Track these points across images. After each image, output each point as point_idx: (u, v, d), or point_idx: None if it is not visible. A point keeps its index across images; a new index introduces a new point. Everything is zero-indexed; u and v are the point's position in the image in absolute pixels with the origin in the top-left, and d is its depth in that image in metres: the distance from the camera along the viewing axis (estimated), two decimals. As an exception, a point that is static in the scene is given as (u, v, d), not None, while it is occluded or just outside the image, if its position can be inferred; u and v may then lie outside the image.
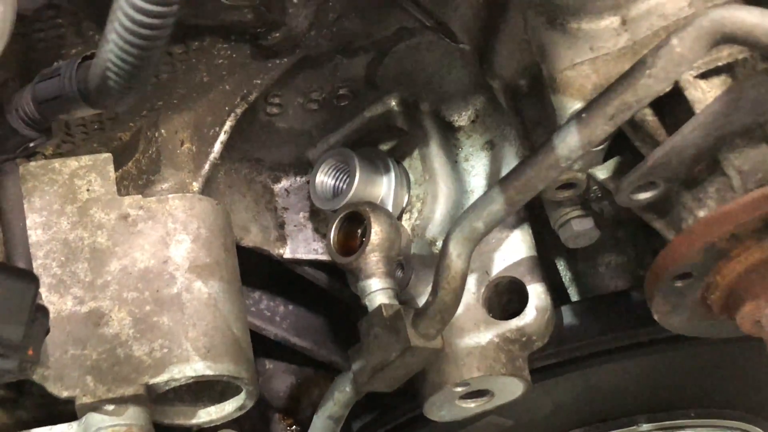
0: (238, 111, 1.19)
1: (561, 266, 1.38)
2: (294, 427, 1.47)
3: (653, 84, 0.92)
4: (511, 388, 1.21)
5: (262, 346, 1.39)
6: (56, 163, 1.08)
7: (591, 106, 0.99)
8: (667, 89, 0.96)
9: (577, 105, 1.05)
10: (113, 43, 0.76)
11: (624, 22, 1.04)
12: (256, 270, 1.30)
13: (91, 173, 1.09)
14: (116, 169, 1.11)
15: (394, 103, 1.27)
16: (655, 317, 1.13)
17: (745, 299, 1.05)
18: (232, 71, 1.19)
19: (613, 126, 0.98)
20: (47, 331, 0.95)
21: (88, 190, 1.08)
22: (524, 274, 1.23)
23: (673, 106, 1.03)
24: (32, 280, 0.92)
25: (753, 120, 1.00)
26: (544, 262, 1.28)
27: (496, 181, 1.18)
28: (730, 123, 0.98)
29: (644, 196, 1.06)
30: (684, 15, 1.01)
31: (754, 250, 1.01)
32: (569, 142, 1.00)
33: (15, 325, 0.89)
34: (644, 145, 1.05)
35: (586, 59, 1.04)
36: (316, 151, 1.29)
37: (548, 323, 1.20)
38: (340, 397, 1.23)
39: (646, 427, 1.44)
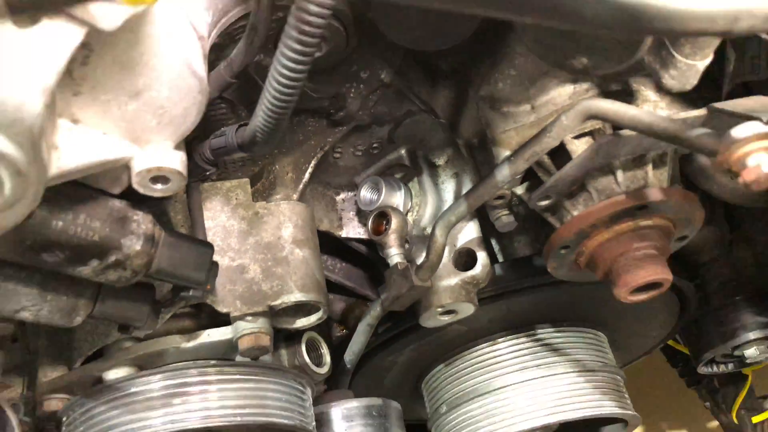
0: (318, 156, 1.12)
1: (494, 242, 1.29)
2: (344, 331, 1.39)
3: (550, 141, 0.88)
4: (466, 309, 1.13)
5: (329, 285, 1.24)
6: (218, 184, 1.02)
7: (515, 153, 0.93)
8: (557, 144, 0.90)
9: (507, 153, 0.98)
10: (261, 117, 0.73)
11: (533, 108, 0.99)
12: (326, 243, 1.19)
13: (237, 189, 1.02)
14: (252, 186, 1.05)
15: (403, 152, 1.19)
16: (549, 270, 1.06)
17: (598, 260, 0.97)
18: (315, 133, 1.12)
19: (527, 164, 0.92)
20: (216, 275, 0.88)
21: (236, 199, 1.01)
22: (475, 245, 1.13)
23: (560, 154, 0.95)
24: (209, 246, 0.86)
25: (604, 161, 0.91)
26: (485, 239, 1.16)
27: (461, 195, 1.09)
28: (592, 163, 0.90)
29: (543, 203, 0.98)
30: (566, 104, 0.97)
31: (604, 233, 0.94)
32: (503, 173, 0.94)
33: (200, 271, 0.83)
34: (544, 175, 0.98)
35: (511, 128, 1.00)
36: (360, 177, 1.21)
37: (488, 273, 1.12)
38: (373, 313, 1.15)
39: (541, 329, 1.29)
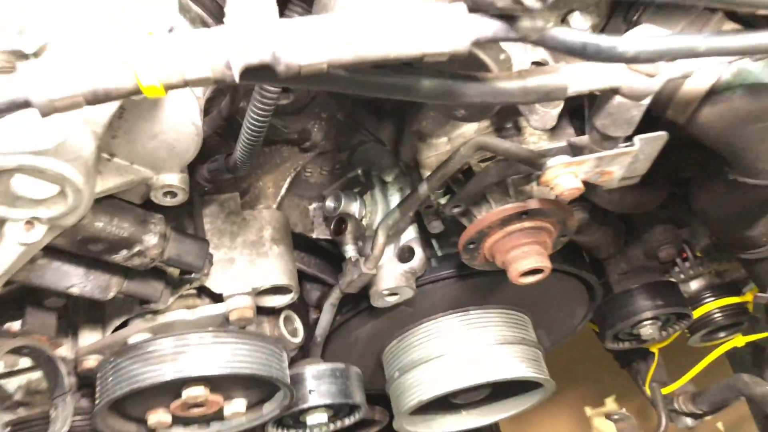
0: (292, 175, 1.29)
1: (434, 242, 1.41)
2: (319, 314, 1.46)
3: (454, 166, 1.02)
4: (407, 292, 1.27)
5: (306, 277, 1.44)
6: (215, 197, 1.19)
7: (431, 174, 1.08)
8: (457, 168, 1.05)
9: (428, 173, 1.11)
10: (240, 149, 0.91)
11: (449, 139, 1.09)
12: (300, 242, 1.34)
13: (230, 200, 1.20)
14: (241, 198, 1.22)
15: (359, 172, 1.33)
16: (464, 261, 1.18)
17: (495, 253, 1.12)
18: (289, 158, 1.28)
19: (440, 182, 1.07)
20: (212, 263, 1.07)
21: (228, 208, 1.18)
22: (414, 243, 1.27)
23: (470, 173, 1.09)
24: (206, 242, 1.05)
25: (498, 179, 1.06)
26: (424, 238, 1.31)
27: (397, 204, 1.22)
28: (487, 181, 1.05)
29: (456, 210, 1.13)
30: (470, 137, 1.04)
31: (498, 232, 1.09)
32: (423, 189, 1.10)
33: (200, 260, 1.02)
34: (457, 188, 1.11)
35: (433, 155, 1.10)
36: (326, 191, 1.35)
37: (423, 265, 1.26)
38: (334, 294, 1.30)
39: (473, 310, 1.43)
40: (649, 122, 0.88)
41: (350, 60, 0.58)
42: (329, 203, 1.34)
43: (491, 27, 0.59)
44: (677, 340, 1.79)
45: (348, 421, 1.44)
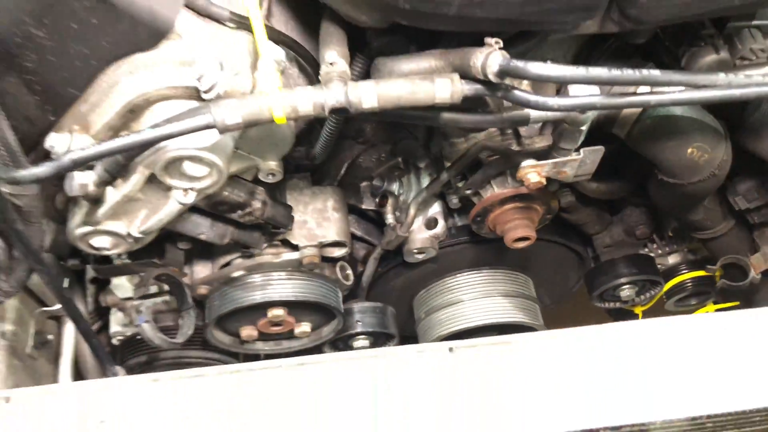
0: (349, 161, 1.59)
1: (457, 216, 1.69)
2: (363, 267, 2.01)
3: (470, 159, 1.42)
4: (431, 252, 1.61)
5: (356, 238, 1.78)
6: (294, 176, 1.55)
7: (453, 164, 1.43)
8: (469, 163, 1.41)
9: (448, 164, 1.45)
10: (320, 146, 1.34)
11: (465, 140, 1.39)
12: (352, 211, 1.69)
13: (304, 179, 1.56)
14: (311, 177, 1.61)
15: (400, 160, 1.62)
16: (474, 231, 1.53)
17: (496, 226, 1.45)
18: (347, 148, 1.57)
19: (459, 170, 1.44)
20: (293, 222, 1.51)
21: (303, 184, 1.56)
22: (438, 215, 1.63)
23: (478, 164, 1.40)
24: (290, 207, 1.43)
25: (498, 170, 1.39)
26: (446, 211, 1.67)
27: (426, 186, 1.59)
28: (492, 170, 1.39)
29: (468, 191, 1.47)
30: (481, 139, 1.36)
31: (498, 210, 1.41)
32: (444, 176, 1.47)
33: (287, 220, 1.42)
34: (470, 175, 1.43)
35: (453, 150, 1.44)
36: (374, 173, 1.65)
37: (445, 232, 1.62)
38: (377, 251, 1.69)
39: (484, 269, 1.75)
40: (601, 136, 1.29)
41: (392, 105, 1.01)
42: (376, 182, 1.66)
43: (474, 88, 1.01)
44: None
45: (385, 347, 1.87)
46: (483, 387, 0.86)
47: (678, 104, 1.13)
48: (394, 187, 1.71)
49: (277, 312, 1.56)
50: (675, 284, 2.07)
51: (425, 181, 1.66)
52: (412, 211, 1.61)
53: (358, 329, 1.76)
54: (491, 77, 0.95)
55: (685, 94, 0.98)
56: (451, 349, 0.87)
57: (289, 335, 1.66)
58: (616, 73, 0.92)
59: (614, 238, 1.92)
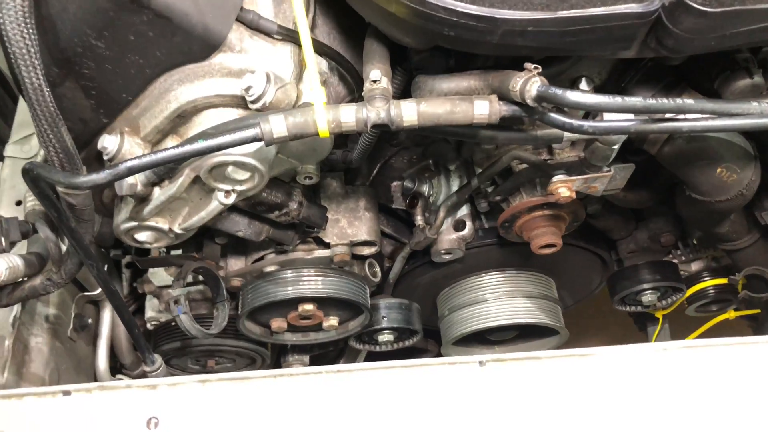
0: (382, 162, 1.68)
1: (484, 218, 1.73)
2: (391, 263, 2.07)
3: (500, 167, 1.48)
4: (458, 253, 1.67)
5: (385, 235, 1.87)
6: (328, 174, 1.59)
7: (484, 171, 1.50)
8: (497, 171, 1.46)
9: (479, 170, 1.53)
10: (357, 152, 1.39)
11: (496, 147, 1.56)
12: (382, 209, 1.75)
13: (337, 178, 1.61)
14: (344, 176, 1.64)
15: (430, 162, 1.69)
16: (502, 235, 1.58)
17: (523, 232, 1.50)
18: (380, 149, 1.64)
19: (490, 177, 1.51)
20: (327, 222, 1.59)
21: (336, 183, 1.62)
22: (466, 218, 1.68)
23: (508, 171, 1.45)
24: (325, 209, 1.50)
25: (528, 179, 1.42)
26: (475, 214, 1.71)
27: (455, 190, 1.66)
28: (522, 178, 1.44)
29: (498, 198, 1.51)
30: (512, 148, 1.53)
31: (526, 217, 1.46)
32: (474, 182, 1.53)
33: (321, 220, 1.48)
34: (500, 181, 1.48)
35: (485, 156, 1.52)
36: (406, 174, 1.74)
37: (472, 234, 1.67)
38: (406, 250, 1.74)
39: (508, 270, 1.81)
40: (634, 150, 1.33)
41: (432, 123, 1.06)
42: (407, 183, 1.73)
43: (512, 109, 1.06)
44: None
45: (408, 343, 1.93)
46: (512, 402, 0.89)
47: (710, 131, 1.17)
48: (425, 188, 1.78)
49: (308, 307, 1.62)
50: (697, 291, 2.12)
51: (455, 184, 1.73)
52: (441, 214, 1.67)
53: (384, 324, 1.83)
54: (529, 102, 0.99)
55: (718, 121, 1.02)
56: (481, 363, 0.90)
57: (317, 327, 1.72)
58: (651, 102, 0.96)
59: (639, 244, 1.96)
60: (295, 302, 1.61)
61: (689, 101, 0.97)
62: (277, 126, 1.04)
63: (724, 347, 0.93)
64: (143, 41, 1.06)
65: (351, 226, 1.66)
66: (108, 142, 1.24)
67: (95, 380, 1.79)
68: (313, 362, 2.07)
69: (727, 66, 1.20)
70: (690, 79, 1.28)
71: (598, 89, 1.33)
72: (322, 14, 1.30)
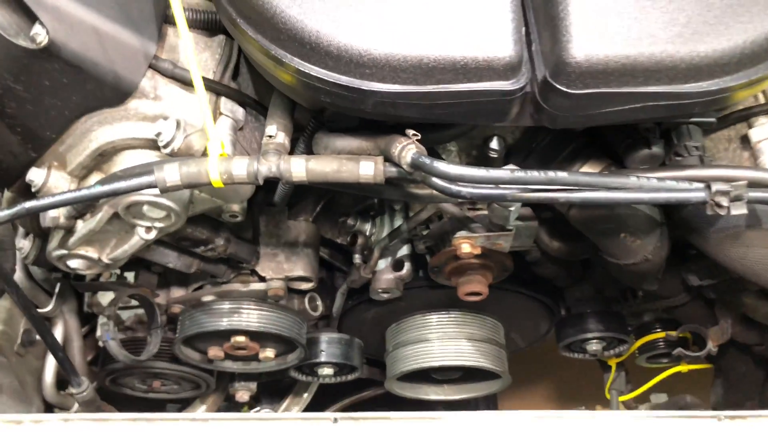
0: (326, 198, 1.72)
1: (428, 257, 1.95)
2: None
3: (425, 215, 1.54)
4: (395, 293, 1.67)
5: (333, 266, 1.94)
6: (271, 208, 1.70)
7: (411, 218, 1.55)
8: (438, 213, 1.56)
9: (412, 213, 1.63)
10: (278, 195, 1.48)
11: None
12: (332, 242, 1.87)
13: (280, 213, 1.67)
14: (288, 210, 1.76)
15: (375, 201, 1.73)
16: (433, 279, 1.57)
17: (451, 278, 1.50)
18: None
19: (418, 223, 1.55)
20: (259, 257, 1.67)
21: (278, 218, 1.68)
22: (405, 258, 1.67)
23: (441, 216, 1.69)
24: (256, 244, 1.62)
25: (452, 228, 1.53)
26: (422, 257, 1.70)
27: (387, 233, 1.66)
28: (446, 228, 1.45)
29: (426, 244, 1.55)
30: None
31: (453, 263, 1.43)
32: (406, 227, 1.62)
33: (250, 256, 1.56)
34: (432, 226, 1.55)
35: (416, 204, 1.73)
36: (351, 211, 1.89)
37: (410, 274, 1.65)
38: (344, 287, 1.80)
39: (453, 311, 1.81)
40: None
41: (320, 180, 1.10)
42: (349, 221, 1.73)
43: (396, 171, 1.10)
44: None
45: (348, 377, 1.97)
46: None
47: (588, 204, 1.19)
48: (366, 226, 1.80)
49: (240, 339, 1.67)
50: (647, 342, 2.10)
51: (398, 223, 1.75)
52: (375, 254, 1.70)
53: (322, 359, 1.87)
54: (405, 167, 1.03)
55: (597, 194, 1.04)
56: (335, 420, 0.93)
57: (256, 357, 1.77)
58: (519, 174, 0.99)
59: (584, 293, 1.97)
60: (228, 333, 1.66)
61: (562, 174, 1.00)
62: (171, 174, 1.09)
63: (573, 419, 0.95)
64: (58, 86, 1.13)
65: (288, 261, 1.70)
66: (34, 176, 1.31)
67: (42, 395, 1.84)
68: (265, 389, 2.13)
69: (630, 135, 1.22)
70: (600, 143, 1.31)
71: (510, 148, 1.36)
72: (247, 63, 1.35)
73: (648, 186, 1.03)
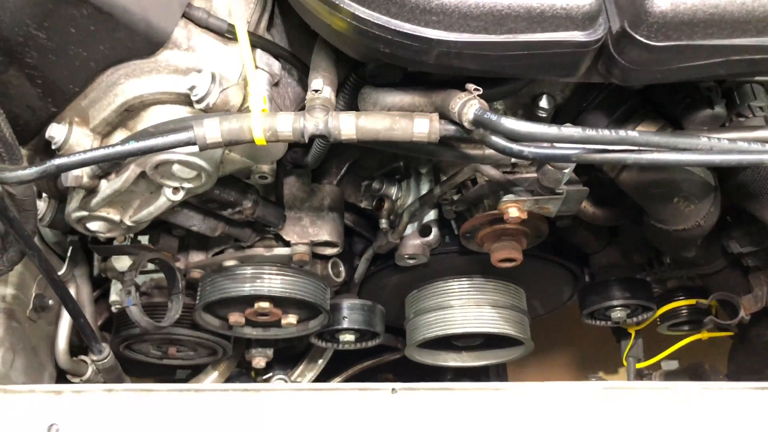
0: (351, 161, 1.66)
1: (453, 224, 1.65)
2: None
3: (462, 177, 1.42)
4: (422, 259, 1.61)
5: (354, 232, 1.84)
6: (295, 170, 1.59)
7: (446, 180, 1.47)
8: (461, 181, 1.47)
9: (444, 178, 1.62)
10: (311, 155, 1.40)
11: None
12: (354, 206, 1.76)
13: (303, 175, 1.59)
14: (312, 173, 1.70)
15: (401, 164, 1.64)
16: (464, 244, 1.53)
17: (483, 243, 1.45)
18: (350, 147, 1.62)
19: (452, 186, 1.46)
20: (285, 221, 1.58)
21: (302, 180, 1.59)
22: (432, 223, 1.61)
23: (474, 181, 1.39)
24: (282, 207, 1.52)
25: (490, 192, 1.36)
26: (443, 219, 1.62)
27: (419, 197, 1.59)
28: (483, 191, 1.37)
29: (460, 208, 1.48)
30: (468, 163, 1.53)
31: (486, 229, 1.41)
32: (439, 190, 1.50)
33: (277, 219, 1.49)
34: (465, 191, 1.44)
35: (450, 164, 1.66)
36: (376, 174, 1.76)
37: (437, 240, 1.60)
38: (369, 252, 1.73)
39: (476, 278, 1.76)
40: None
41: (371, 138, 1.03)
42: (375, 185, 1.67)
43: (452, 129, 1.02)
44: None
45: (370, 344, 1.92)
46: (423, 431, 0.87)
47: (657, 166, 1.13)
48: (393, 190, 1.73)
49: (263, 304, 1.61)
50: (670, 309, 2.07)
51: (425, 187, 1.68)
52: (405, 219, 1.64)
53: (345, 325, 1.81)
54: (466, 124, 0.96)
55: (666, 155, 0.98)
56: (393, 390, 0.88)
57: (277, 324, 1.71)
58: (590, 133, 0.92)
59: (611, 260, 1.92)
60: (251, 299, 1.60)
61: (633, 134, 0.93)
62: (211, 131, 1.01)
63: (646, 390, 0.90)
64: (85, 35, 1.04)
65: (313, 225, 1.63)
66: (55, 132, 1.23)
67: (55, 361, 1.78)
68: (279, 355, 2.08)
69: (690, 94, 1.16)
70: (655, 103, 1.24)
71: (559, 107, 1.29)
72: (281, 13, 1.27)
73: (719, 147, 0.97)
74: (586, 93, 1.27)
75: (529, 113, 1.23)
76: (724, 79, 1.15)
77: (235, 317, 1.67)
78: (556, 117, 1.25)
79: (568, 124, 0.93)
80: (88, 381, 1.74)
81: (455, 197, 1.57)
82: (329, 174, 1.71)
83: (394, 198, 1.72)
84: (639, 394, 0.91)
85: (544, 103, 1.23)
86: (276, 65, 1.23)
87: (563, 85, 1.27)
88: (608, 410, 0.90)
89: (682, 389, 0.95)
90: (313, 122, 1.02)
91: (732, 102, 1.16)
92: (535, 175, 1.34)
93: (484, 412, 0.89)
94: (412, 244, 1.70)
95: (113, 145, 1.02)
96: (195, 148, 1.08)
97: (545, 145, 0.99)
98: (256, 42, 1.20)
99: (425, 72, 1.13)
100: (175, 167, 1.22)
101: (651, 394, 0.91)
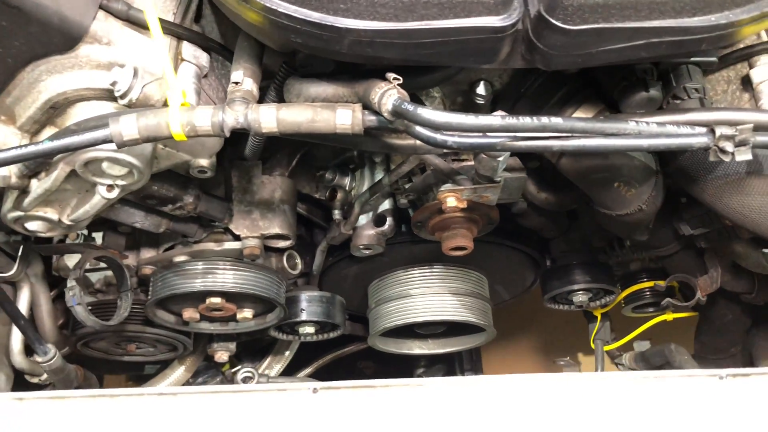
0: (302, 151, 1.61)
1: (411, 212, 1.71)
2: None
3: (408, 167, 1.39)
4: (377, 249, 1.61)
5: (312, 223, 1.85)
6: (244, 163, 1.55)
7: (394, 170, 1.44)
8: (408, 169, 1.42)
9: (394, 166, 1.59)
10: (248, 148, 1.37)
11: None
12: (310, 197, 1.72)
13: (254, 167, 1.55)
14: (263, 165, 1.59)
15: (355, 153, 1.61)
16: (416, 233, 1.52)
17: (435, 231, 1.44)
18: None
19: (400, 176, 1.44)
20: (233, 215, 1.56)
21: (252, 172, 1.56)
22: (387, 213, 1.59)
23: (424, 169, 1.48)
24: (226, 201, 1.48)
25: (436, 181, 1.35)
26: (404, 212, 1.65)
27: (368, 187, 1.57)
28: (430, 180, 1.36)
29: (409, 197, 1.49)
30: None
31: (437, 217, 1.38)
32: (387, 180, 1.51)
33: (222, 213, 1.44)
34: (414, 179, 1.43)
35: (398, 156, 1.63)
36: (329, 164, 1.76)
37: (392, 230, 1.59)
38: (323, 244, 1.73)
39: (436, 266, 1.76)
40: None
41: (292, 131, 1.00)
42: (328, 175, 1.66)
43: (376, 120, 0.99)
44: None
45: (331, 335, 1.90)
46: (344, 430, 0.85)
47: (584, 152, 1.10)
48: (346, 180, 1.70)
49: (215, 300, 1.58)
50: (633, 291, 2.05)
51: (379, 176, 1.65)
52: (356, 209, 1.61)
53: (303, 317, 1.79)
54: (386, 115, 0.93)
55: (593, 140, 0.95)
56: (314, 390, 0.86)
57: (234, 318, 1.68)
58: (511, 121, 0.89)
59: (571, 244, 1.90)
60: (203, 295, 1.58)
61: (556, 120, 0.91)
62: (128, 128, 0.98)
63: (557, 380, 0.88)
64: (-2, 30, 0.99)
65: (263, 218, 1.60)
66: (-20, 131, 1.19)
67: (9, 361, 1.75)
68: (246, 348, 2.06)
69: (626, 77, 1.12)
70: (594, 86, 1.21)
71: (498, 93, 1.26)
72: (211, 5, 1.22)
73: (647, 132, 0.95)
74: (524, 78, 1.24)
75: (467, 101, 1.19)
76: (659, 62, 1.12)
77: (189, 313, 1.64)
78: (495, 104, 1.21)
79: (495, 113, 0.89)
80: (46, 381, 1.72)
81: (407, 186, 1.56)
82: (280, 165, 1.67)
83: (347, 188, 1.71)
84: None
85: (481, 89, 1.20)
86: (204, 57, 1.19)
87: (500, 71, 1.24)
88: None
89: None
90: (233, 115, 0.99)
91: (668, 84, 1.12)
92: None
93: (404, 409, 0.86)
94: (367, 234, 1.68)
95: (27, 145, 0.99)
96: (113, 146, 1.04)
97: (471, 134, 0.96)
98: (182, 34, 1.16)
99: (355, 65, 1.10)
100: (105, 165, 1.19)
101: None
